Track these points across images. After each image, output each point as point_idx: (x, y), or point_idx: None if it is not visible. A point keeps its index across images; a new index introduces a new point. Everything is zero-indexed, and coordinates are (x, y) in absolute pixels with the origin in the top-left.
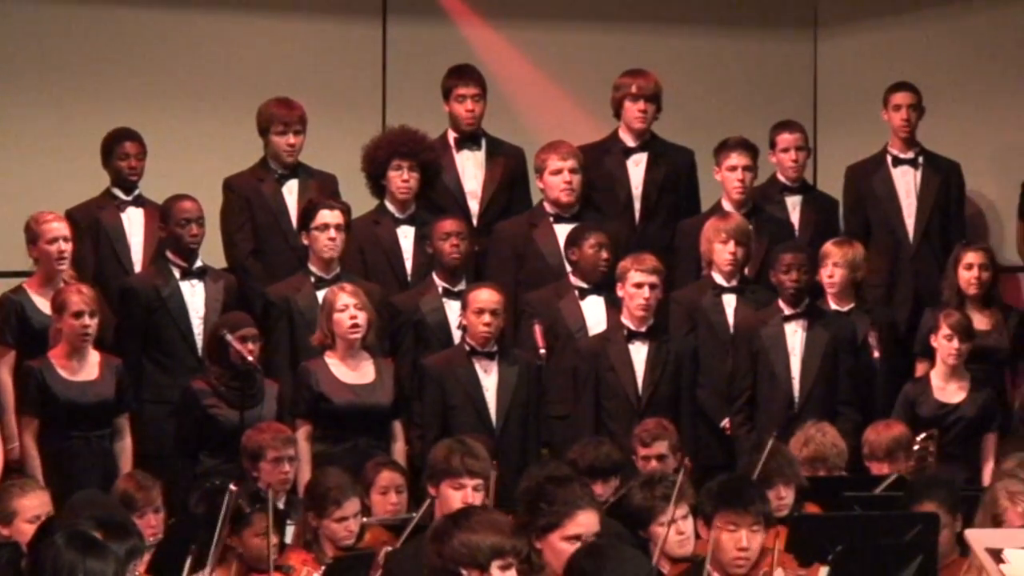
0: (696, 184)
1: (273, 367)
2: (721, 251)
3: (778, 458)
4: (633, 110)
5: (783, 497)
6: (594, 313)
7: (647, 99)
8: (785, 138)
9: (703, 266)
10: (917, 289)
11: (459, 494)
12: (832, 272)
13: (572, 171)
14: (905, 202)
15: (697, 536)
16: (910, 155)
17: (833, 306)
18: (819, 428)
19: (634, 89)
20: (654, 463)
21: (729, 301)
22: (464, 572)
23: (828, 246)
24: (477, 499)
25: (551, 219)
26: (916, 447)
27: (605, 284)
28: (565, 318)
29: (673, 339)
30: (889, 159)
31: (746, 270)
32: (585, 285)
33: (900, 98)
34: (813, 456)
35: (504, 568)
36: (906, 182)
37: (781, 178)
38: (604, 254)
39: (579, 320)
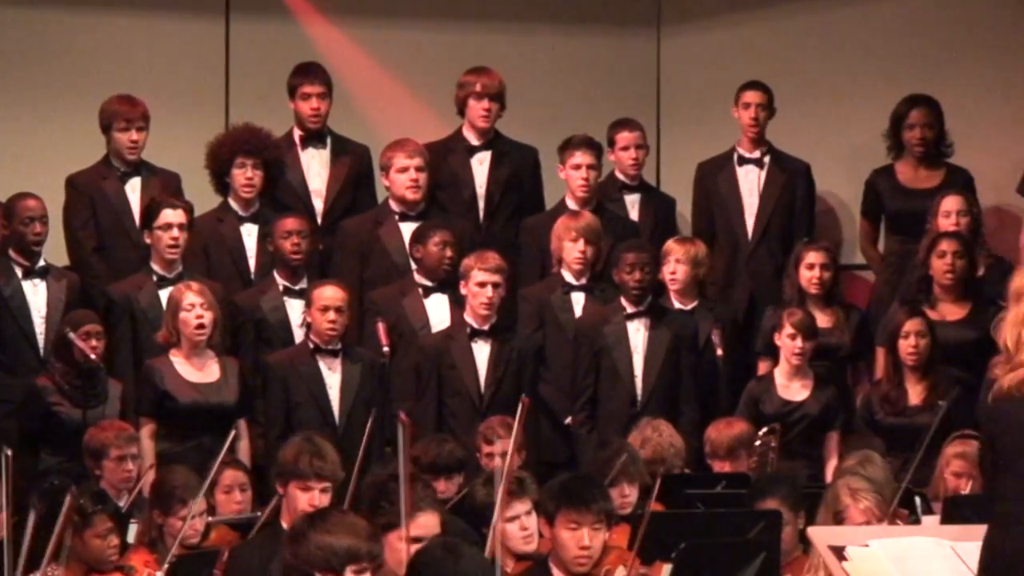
0: (540, 182)
1: (116, 366)
2: (571, 249)
3: (622, 457)
4: (477, 108)
5: (626, 495)
6: (438, 311)
7: (491, 97)
8: (624, 136)
9: (553, 264)
10: (753, 288)
11: (306, 496)
12: (675, 269)
13: (418, 169)
14: (747, 201)
15: (541, 534)
16: (756, 154)
17: (676, 304)
18: (655, 427)
19: (478, 87)
20: (497, 461)
21: (578, 299)
22: (317, 575)
23: (670, 244)
24: (324, 501)
25: (396, 217)
26: (758, 443)
27: (449, 282)
28: (409, 316)
29: (517, 336)
30: (735, 158)
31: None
32: (429, 283)
33: (750, 96)
34: (651, 457)
35: (358, 572)
36: (749, 181)
37: (620, 176)
38: (448, 252)
39: (422, 318)
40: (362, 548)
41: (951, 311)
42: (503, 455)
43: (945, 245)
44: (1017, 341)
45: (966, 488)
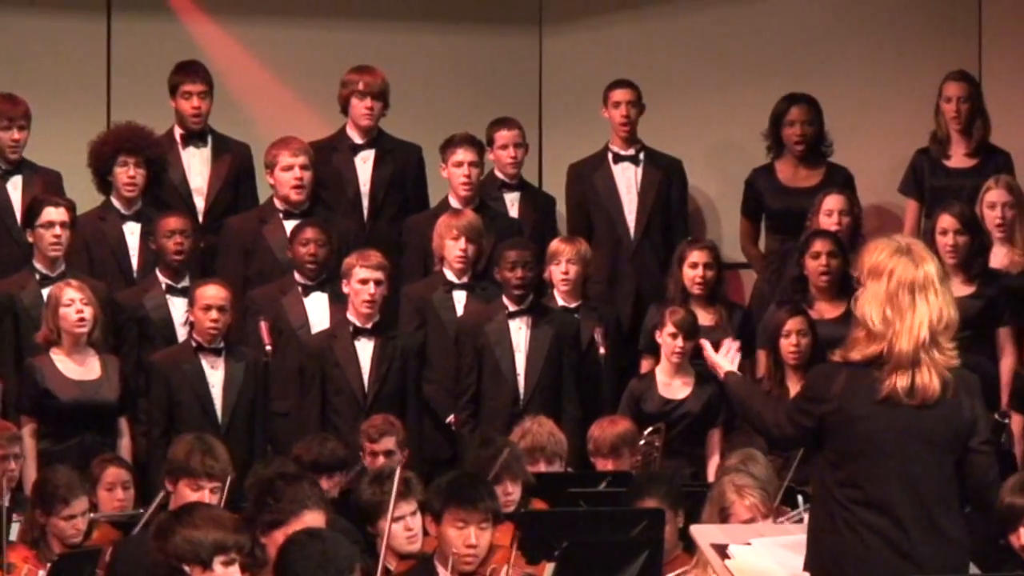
0: (424, 180)
1: None
2: (452, 247)
3: (505, 455)
4: (360, 107)
5: (510, 493)
6: (317, 310)
7: (374, 96)
8: (503, 135)
9: (435, 262)
10: (638, 286)
11: (196, 495)
12: (567, 269)
13: (303, 167)
14: (626, 199)
15: (426, 533)
16: (631, 152)
17: (560, 303)
18: (537, 421)
19: (361, 86)
20: (381, 459)
21: (460, 298)
22: (187, 568)
23: (559, 244)
24: (214, 501)
25: (281, 215)
26: (642, 442)
27: (329, 281)
28: (288, 315)
29: (400, 335)
30: (610, 156)
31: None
32: (309, 282)
33: (619, 95)
34: (531, 447)
35: (227, 564)
36: (627, 179)
37: (500, 175)
38: (312, 250)
39: (301, 317)
40: (229, 540)
41: (828, 309)
42: (386, 453)
43: (819, 245)
44: (883, 317)
45: None
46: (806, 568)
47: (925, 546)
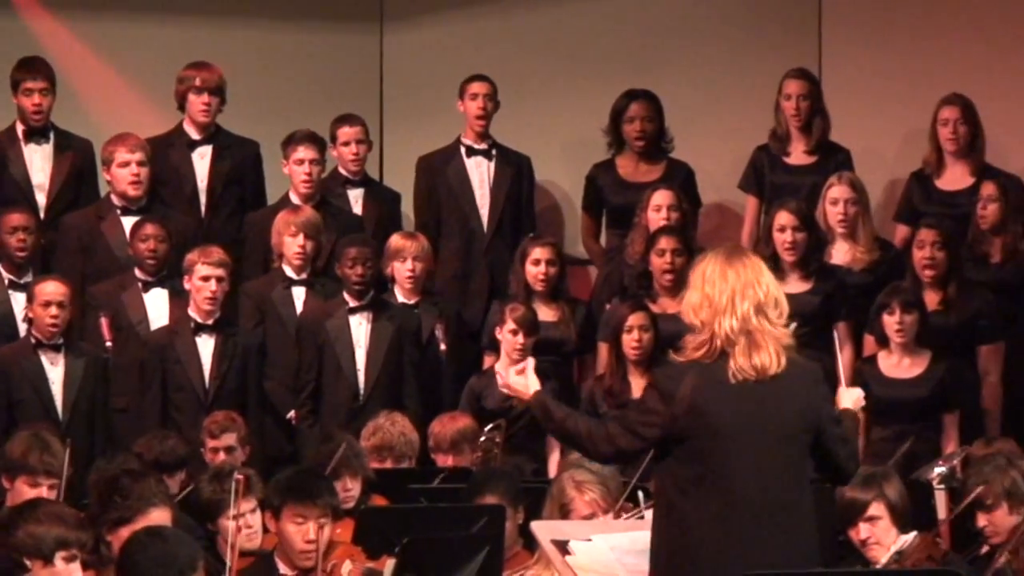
0: (262, 177)
1: None
2: (291, 244)
3: (345, 450)
4: (197, 103)
5: (349, 489)
6: (156, 306)
7: (211, 92)
8: (345, 132)
9: (274, 259)
10: (491, 281)
11: (34, 492)
12: (413, 266)
13: (139, 164)
14: (479, 193)
15: (266, 530)
16: (484, 146)
17: (400, 299)
18: (390, 418)
19: (198, 82)
20: (223, 455)
21: (299, 294)
22: (28, 563)
23: (402, 241)
24: (51, 497)
25: (119, 211)
26: (482, 439)
27: (169, 277)
28: (128, 310)
29: (241, 331)
30: (463, 150)
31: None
32: (149, 278)
33: (477, 88)
34: (380, 444)
35: (68, 559)
36: (480, 173)
37: (343, 172)
38: (151, 246)
39: (140, 312)
40: (71, 536)
41: (671, 304)
42: (227, 449)
43: (664, 243)
44: (703, 302)
45: None
46: (651, 568)
47: (774, 537)
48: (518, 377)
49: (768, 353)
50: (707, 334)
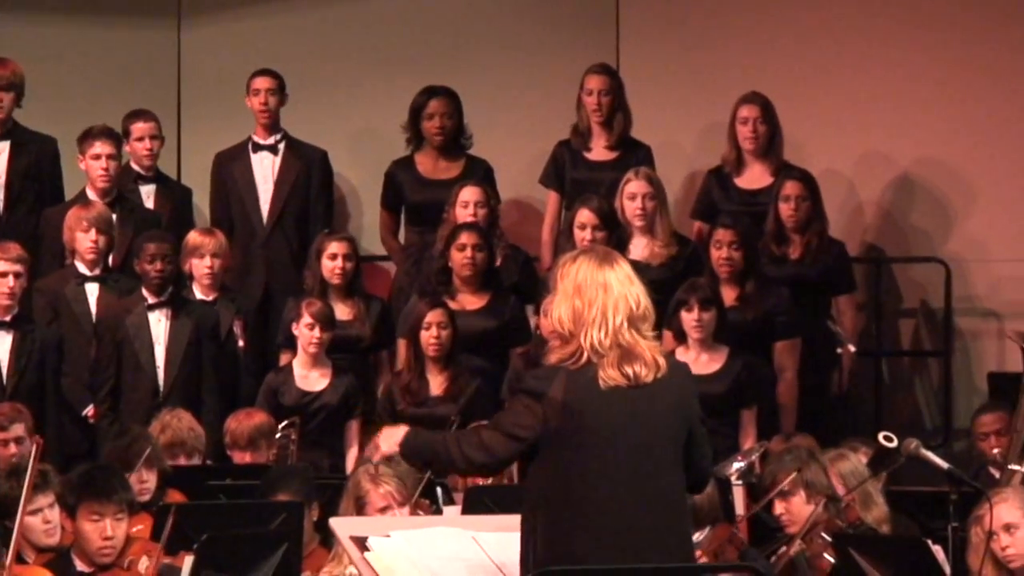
0: (59, 172)
1: None
2: (83, 239)
3: (140, 443)
4: None
5: (145, 481)
6: None
7: (6, 88)
8: (139, 127)
9: (67, 255)
10: (268, 276)
11: None
12: (212, 263)
13: None
14: (261, 188)
15: (63, 527)
16: (271, 141)
17: (199, 295)
18: (175, 415)
19: None
20: (13, 447)
21: (92, 290)
22: None
23: (199, 237)
24: None
25: None
26: (278, 435)
27: None
28: None
29: (39, 328)
30: (250, 146)
31: (110, 259)
32: None
33: (259, 83)
34: (171, 442)
35: None
36: (264, 168)
37: (136, 167)
38: None
39: None
40: None
41: (470, 301)
42: (16, 440)
43: (465, 238)
44: (572, 314)
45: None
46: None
47: (647, 541)
48: (388, 436)
49: (644, 363)
50: (574, 345)
